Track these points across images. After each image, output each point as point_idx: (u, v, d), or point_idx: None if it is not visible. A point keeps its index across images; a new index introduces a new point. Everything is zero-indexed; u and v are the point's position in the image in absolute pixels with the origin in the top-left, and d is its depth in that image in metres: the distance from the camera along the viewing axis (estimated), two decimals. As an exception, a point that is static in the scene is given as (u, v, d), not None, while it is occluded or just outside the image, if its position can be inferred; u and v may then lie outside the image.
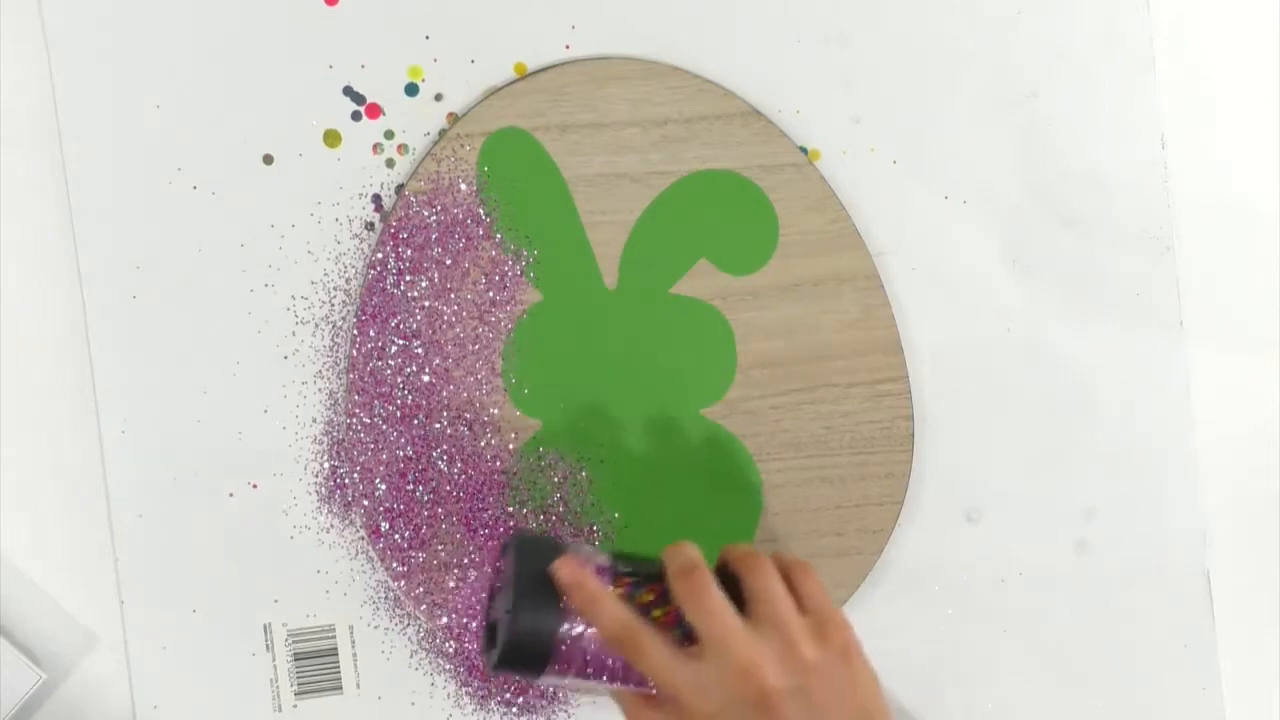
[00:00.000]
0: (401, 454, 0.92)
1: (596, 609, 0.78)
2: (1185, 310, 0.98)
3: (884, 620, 0.95)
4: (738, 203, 0.95)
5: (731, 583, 0.80)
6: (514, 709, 0.93)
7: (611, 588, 0.79)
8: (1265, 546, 1.00)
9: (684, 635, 0.78)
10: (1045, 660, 0.97)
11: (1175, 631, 0.98)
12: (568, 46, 0.94)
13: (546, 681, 0.80)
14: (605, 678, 0.80)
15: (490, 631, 0.81)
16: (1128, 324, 0.98)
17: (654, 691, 0.79)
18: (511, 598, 0.78)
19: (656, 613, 0.79)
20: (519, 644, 0.78)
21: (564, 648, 0.78)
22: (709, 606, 0.77)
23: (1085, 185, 0.98)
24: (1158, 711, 0.98)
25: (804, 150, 0.96)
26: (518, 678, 0.91)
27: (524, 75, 0.94)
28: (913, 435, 0.96)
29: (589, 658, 0.79)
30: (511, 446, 0.93)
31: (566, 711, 0.94)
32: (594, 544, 0.93)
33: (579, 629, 0.78)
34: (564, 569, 0.79)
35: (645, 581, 0.80)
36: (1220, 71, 1.00)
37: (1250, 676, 0.99)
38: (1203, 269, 0.99)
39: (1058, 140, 0.98)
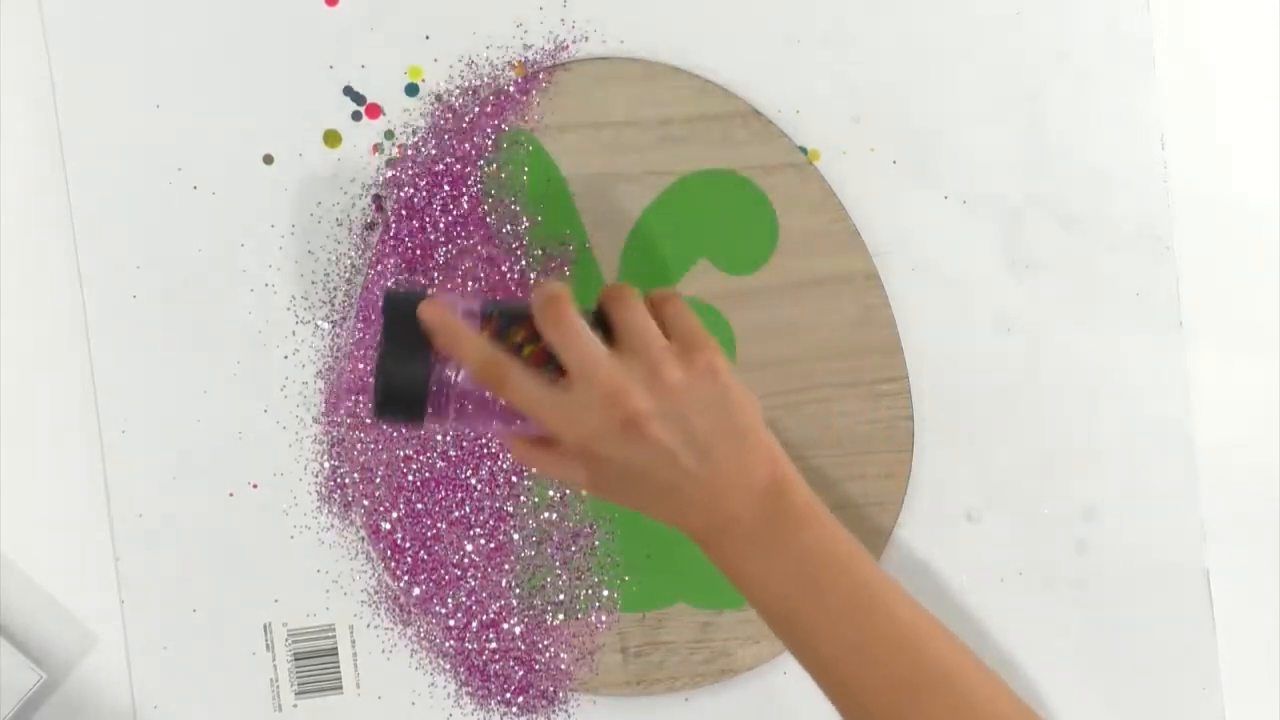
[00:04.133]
0: (401, 454, 0.92)
1: (461, 346, 0.78)
2: (1185, 310, 0.98)
3: (884, 620, 0.95)
4: (738, 203, 0.95)
5: (608, 326, 0.79)
6: (514, 709, 0.93)
7: (481, 329, 0.79)
8: (1265, 546, 1.00)
9: (556, 371, 0.78)
10: (1045, 660, 0.97)
11: (1175, 631, 0.98)
12: (568, 46, 0.94)
13: (432, 428, 0.79)
14: (486, 419, 0.79)
15: (375, 388, 0.81)
16: (1128, 324, 0.98)
17: (535, 431, 0.79)
18: (382, 348, 0.78)
19: (528, 350, 0.79)
20: (393, 391, 0.78)
21: (439, 392, 0.78)
22: (573, 334, 0.77)
23: (1085, 185, 0.98)
24: (1158, 711, 0.98)
25: (804, 150, 0.96)
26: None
27: (524, 75, 0.94)
28: (913, 435, 0.96)
29: (465, 400, 0.79)
30: (511, 446, 0.93)
31: (566, 712, 0.94)
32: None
33: (451, 373, 0.78)
34: (428, 311, 0.78)
35: (515, 321, 0.79)
36: (1220, 71, 1.00)
37: (1250, 676, 0.99)
38: (1203, 269, 0.99)
39: (1058, 140, 0.98)
